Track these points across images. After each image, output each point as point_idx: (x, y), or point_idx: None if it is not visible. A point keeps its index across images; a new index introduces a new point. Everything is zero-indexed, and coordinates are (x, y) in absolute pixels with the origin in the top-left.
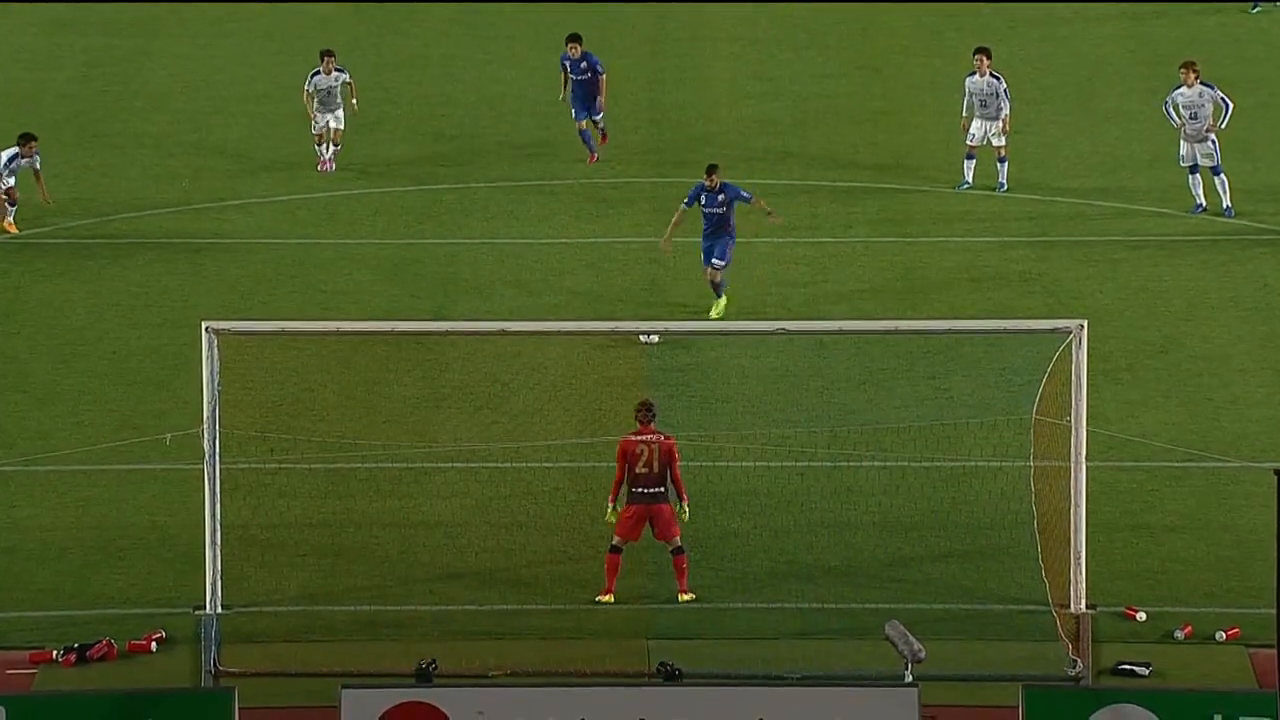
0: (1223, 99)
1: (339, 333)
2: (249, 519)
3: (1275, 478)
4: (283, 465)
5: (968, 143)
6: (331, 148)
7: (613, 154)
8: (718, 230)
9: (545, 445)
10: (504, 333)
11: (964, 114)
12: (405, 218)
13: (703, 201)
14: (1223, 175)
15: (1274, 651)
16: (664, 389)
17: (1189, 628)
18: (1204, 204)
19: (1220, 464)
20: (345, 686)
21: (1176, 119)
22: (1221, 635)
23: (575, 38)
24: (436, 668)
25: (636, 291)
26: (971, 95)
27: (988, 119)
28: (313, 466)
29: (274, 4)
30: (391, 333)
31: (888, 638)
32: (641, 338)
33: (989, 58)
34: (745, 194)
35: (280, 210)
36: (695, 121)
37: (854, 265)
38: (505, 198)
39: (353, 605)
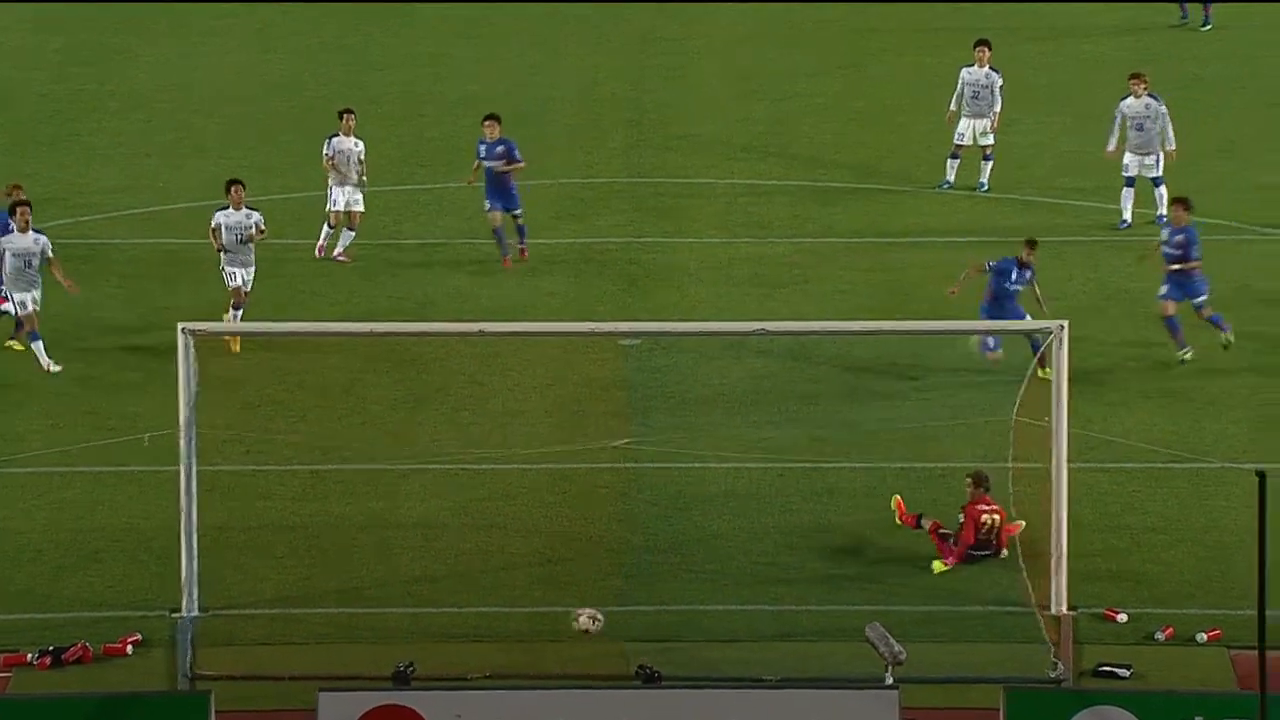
0: (1165, 113)
1: (317, 334)
2: (225, 521)
3: (1256, 478)
4: (260, 467)
5: (955, 141)
6: (348, 233)
7: (594, 154)
8: (1009, 304)
9: (524, 447)
10: (483, 334)
11: (952, 106)
12: (384, 218)
13: (1012, 278)
14: (1163, 188)
15: (1255, 653)
16: (643, 390)
17: (1170, 629)
18: (1129, 220)
19: (1201, 465)
20: (322, 689)
21: (1115, 131)
22: (1203, 637)
23: (494, 117)
24: (414, 670)
25: (615, 293)
26: (965, 87)
27: (976, 115)
28: (290, 468)
29: (259, 4)
30: (370, 334)
31: (868, 640)
32: (620, 340)
33: (989, 49)
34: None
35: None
36: (676, 120)
37: (835, 265)
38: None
39: (330, 608)
